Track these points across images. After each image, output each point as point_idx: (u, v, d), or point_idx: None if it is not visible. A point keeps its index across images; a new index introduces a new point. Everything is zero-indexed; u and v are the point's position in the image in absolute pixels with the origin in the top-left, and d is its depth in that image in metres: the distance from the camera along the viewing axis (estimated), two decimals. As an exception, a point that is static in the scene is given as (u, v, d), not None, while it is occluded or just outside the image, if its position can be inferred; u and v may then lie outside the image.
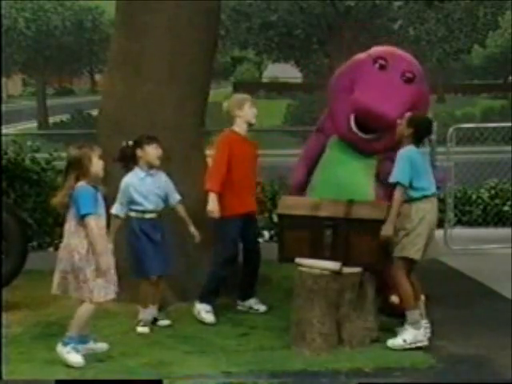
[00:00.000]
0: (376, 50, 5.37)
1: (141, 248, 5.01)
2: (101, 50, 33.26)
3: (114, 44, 6.15)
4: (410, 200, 4.67)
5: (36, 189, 7.52)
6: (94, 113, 22.80)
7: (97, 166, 4.41)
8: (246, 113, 5.35)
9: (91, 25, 34.30)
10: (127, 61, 5.86)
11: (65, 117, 31.18)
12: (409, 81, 5.11)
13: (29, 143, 7.86)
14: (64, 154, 8.28)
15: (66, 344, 4.41)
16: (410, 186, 4.66)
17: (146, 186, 5.03)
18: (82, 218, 4.33)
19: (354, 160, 5.17)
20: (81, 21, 33.87)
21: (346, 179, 5.11)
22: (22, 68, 37.01)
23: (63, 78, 47.91)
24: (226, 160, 5.26)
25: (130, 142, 5.06)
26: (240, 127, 5.38)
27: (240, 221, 5.34)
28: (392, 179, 4.66)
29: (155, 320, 5.16)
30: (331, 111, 5.39)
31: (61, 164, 7.83)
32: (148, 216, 5.04)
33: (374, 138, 5.07)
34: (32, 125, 31.95)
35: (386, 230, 4.60)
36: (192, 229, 5.17)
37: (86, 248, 4.34)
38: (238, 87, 36.58)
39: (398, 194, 4.62)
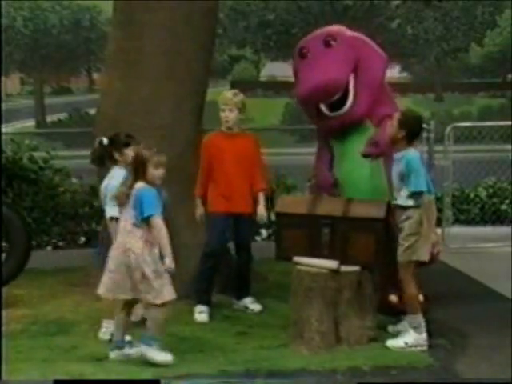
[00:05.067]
0: (300, 42, 5.40)
1: None
2: (98, 48, 33.25)
3: (111, 43, 6.15)
4: (418, 205, 4.62)
5: (34, 187, 7.52)
6: (92, 111, 22.78)
7: (151, 174, 4.35)
8: (222, 116, 5.36)
9: (89, 23, 34.27)
10: (125, 60, 5.86)
11: (63, 115, 31.16)
12: (329, 44, 5.13)
13: (26, 142, 7.85)
14: (62, 153, 8.29)
15: (150, 345, 4.36)
16: None
17: None
18: (143, 220, 4.29)
19: (355, 141, 5.14)
20: (78, 19, 33.86)
21: (356, 171, 5.11)
22: (19, 67, 36.99)
23: (61, 76, 47.84)
24: (206, 163, 5.36)
25: (105, 141, 4.91)
26: (223, 127, 5.40)
27: (224, 219, 5.33)
28: (415, 188, 4.58)
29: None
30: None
31: (58, 163, 7.85)
32: None
33: (344, 112, 5.06)
34: (30, 123, 31.94)
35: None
36: None
37: (141, 248, 4.31)
38: (235, 86, 36.54)
39: (420, 202, 4.58)
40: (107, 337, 4.83)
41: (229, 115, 5.31)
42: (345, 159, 5.18)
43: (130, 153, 4.90)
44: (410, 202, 4.61)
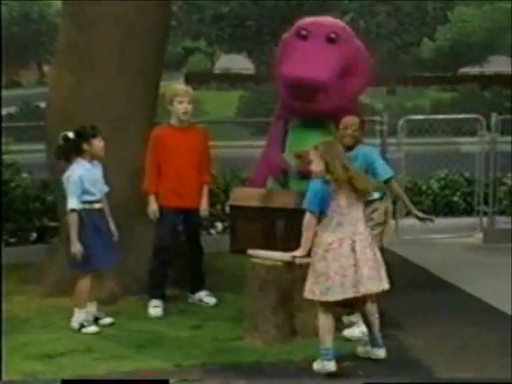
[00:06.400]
0: (298, 22, 5.39)
1: (90, 241, 4.85)
2: (48, 40, 32.69)
3: (61, 35, 6.03)
4: (381, 197, 4.81)
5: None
6: (42, 105, 22.35)
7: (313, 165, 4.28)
8: (174, 109, 5.30)
9: (38, 16, 33.67)
10: (75, 52, 5.77)
11: (12, 109, 30.49)
12: (332, 41, 5.14)
13: (-25, 136, 7.64)
14: (12, 148, 8.08)
15: (323, 356, 4.21)
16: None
17: (93, 176, 4.90)
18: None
19: (315, 139, 5.18)
20: (27, 12, 33.22)
21: None
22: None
23: (10, 69, 46.85)
24: (155, 157, 5.29)
25: (71, 135, 4.88)
26: (174, 120, 5.35)
27: (175, 213, 5.31)
28: (386, 175, 4.77)
29: (96, 319, 4.99)
30: (280, 94, 5.42)
31: (9, 158, 7.66)
32: (97, 206, 4.92)
33: (312, 102, 5.06)
34: (-21, 117, 31.16)
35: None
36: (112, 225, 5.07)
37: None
38: (190, 78, 36.35)
39: (396, 186, 4.86)
40: (77, 326, 4.85)
41: (188, 107, 5.29)
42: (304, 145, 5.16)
43: (97, 143, 4.86)
44: (376, 195, 4.72)
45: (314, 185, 4.25)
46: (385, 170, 4.80)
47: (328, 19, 5.45)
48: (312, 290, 4.19)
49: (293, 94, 5.09)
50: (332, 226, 4.19)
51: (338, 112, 5.01)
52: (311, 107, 5.07)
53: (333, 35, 5.14)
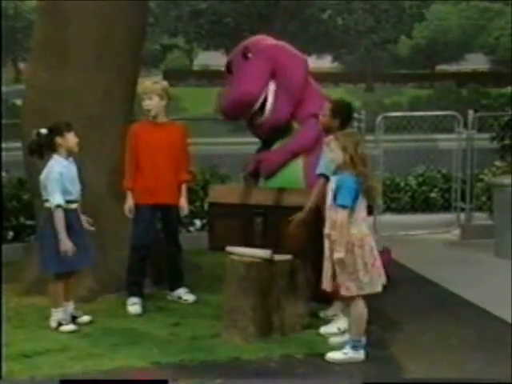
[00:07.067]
0: (228, 57, 5.57)
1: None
2: (24, 37, 32.35)
3: (37, 31, 5.97)
4: None
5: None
6: (19, 102, 22.12)
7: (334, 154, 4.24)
8: (143, 105, 5.29)
9: (13, 12, 33.30)
10: (51, 49, 5.71)
11: (-11, 106, 30.14)
12: (246, 57, 5.25)
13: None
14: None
15: (354, 348, 4.30)
16: None
17: (71, 174, 4.82)
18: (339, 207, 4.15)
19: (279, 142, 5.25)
20: (4, 8, 32.81)
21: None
22: None
23: (-14, 66, 46.28)
24: (133, 153, 5.27)
25: (44, 130, 4.80)
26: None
27: (151, 210, 5.28)
28: (319, 170, 4.73)
29: (74, 318, 4.94)
30: None
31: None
32: (73, 206, 4.83)
33: (264, 119, 5.15)
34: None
35: None
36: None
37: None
38: (168, 75, 36.16)
39: (321, 183, 4.75)
40: (54, 324, 4.81)
41: (149, 103, 5.26)
42: None
43: (72, 138, 4.80)
44: None
45: (348, 180, 4.17)
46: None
47: (249, 39, 5.50)
48: (359, 286, 4.26)
49: (244, 118, 5.26)
50: (359, 221, 4.22)
51: (295, 112, 5.10)
52: (264, 125, 5.15)
53: (245, 51, 5.27)
